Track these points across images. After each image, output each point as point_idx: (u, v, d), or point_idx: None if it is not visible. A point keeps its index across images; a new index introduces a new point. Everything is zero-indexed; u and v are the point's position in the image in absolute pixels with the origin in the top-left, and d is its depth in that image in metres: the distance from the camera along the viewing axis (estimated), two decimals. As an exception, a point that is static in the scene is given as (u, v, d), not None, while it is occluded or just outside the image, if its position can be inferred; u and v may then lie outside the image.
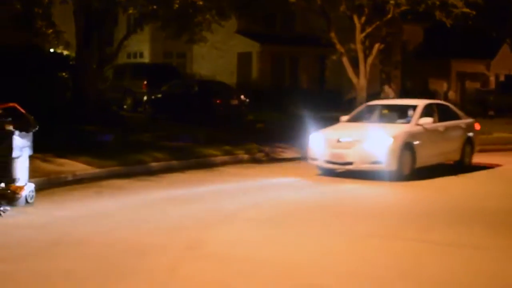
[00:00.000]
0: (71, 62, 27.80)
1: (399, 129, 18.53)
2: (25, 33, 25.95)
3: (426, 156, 18.72)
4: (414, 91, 41.88)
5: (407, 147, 18.06)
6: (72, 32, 26.13)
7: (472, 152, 20.96)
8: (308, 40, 41.88)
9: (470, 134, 20.90)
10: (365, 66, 32.17)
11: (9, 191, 13.03)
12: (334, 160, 18.25)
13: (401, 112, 19.71)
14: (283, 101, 36.97)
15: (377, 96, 32.08)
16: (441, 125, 19.72)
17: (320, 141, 18.72)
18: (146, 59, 44.19)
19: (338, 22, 32.62)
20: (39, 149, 14.64)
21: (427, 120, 18.88)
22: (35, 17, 26.23)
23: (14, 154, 13.42)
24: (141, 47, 43.69)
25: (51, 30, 27.76)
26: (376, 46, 32.41)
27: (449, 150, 20.00)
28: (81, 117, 23.38)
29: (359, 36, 31.79)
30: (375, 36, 32.42)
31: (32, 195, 13.44)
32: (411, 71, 49.34)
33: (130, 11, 26.39)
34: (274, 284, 8.62)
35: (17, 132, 13.55)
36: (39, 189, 14.03)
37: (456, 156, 20.34)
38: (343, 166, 18.24)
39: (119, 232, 11.40)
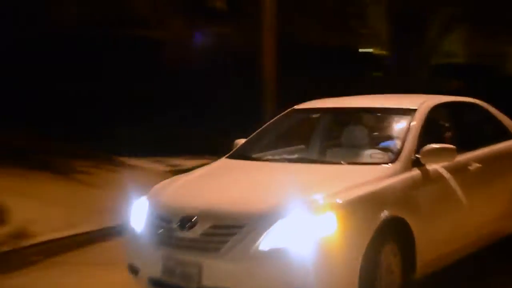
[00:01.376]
0: (385, 62, 28.10)
1: (363, 180, 6.30)
2: (338, 33, 26.35)
3: (440, 247, 6.83)
4: None
5: (389, 233, 6.10)
6: (386, 32, 26.36)
7: None
8: None
9: None
10: None
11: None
12: (173, 281, 6.08)
13: (372, 130, 7.80)
14: None
15: None
16: (473, 157, 7.60)
17: (145, 221, 6.53)
18: (460, 59, 43.49)
19: None
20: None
21: (439, 150, 6.81)
22: (349, 16, 26.64)
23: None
24: (455, 47, 43.03)
25: (365, 30, 28.15)
26: None
27: (491, 217, 7.81)
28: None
29: None
30: None
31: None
32: None
33: (445, 13, 26.18)
34: None
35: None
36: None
37: (507, 227, 8.25)
38: None
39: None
